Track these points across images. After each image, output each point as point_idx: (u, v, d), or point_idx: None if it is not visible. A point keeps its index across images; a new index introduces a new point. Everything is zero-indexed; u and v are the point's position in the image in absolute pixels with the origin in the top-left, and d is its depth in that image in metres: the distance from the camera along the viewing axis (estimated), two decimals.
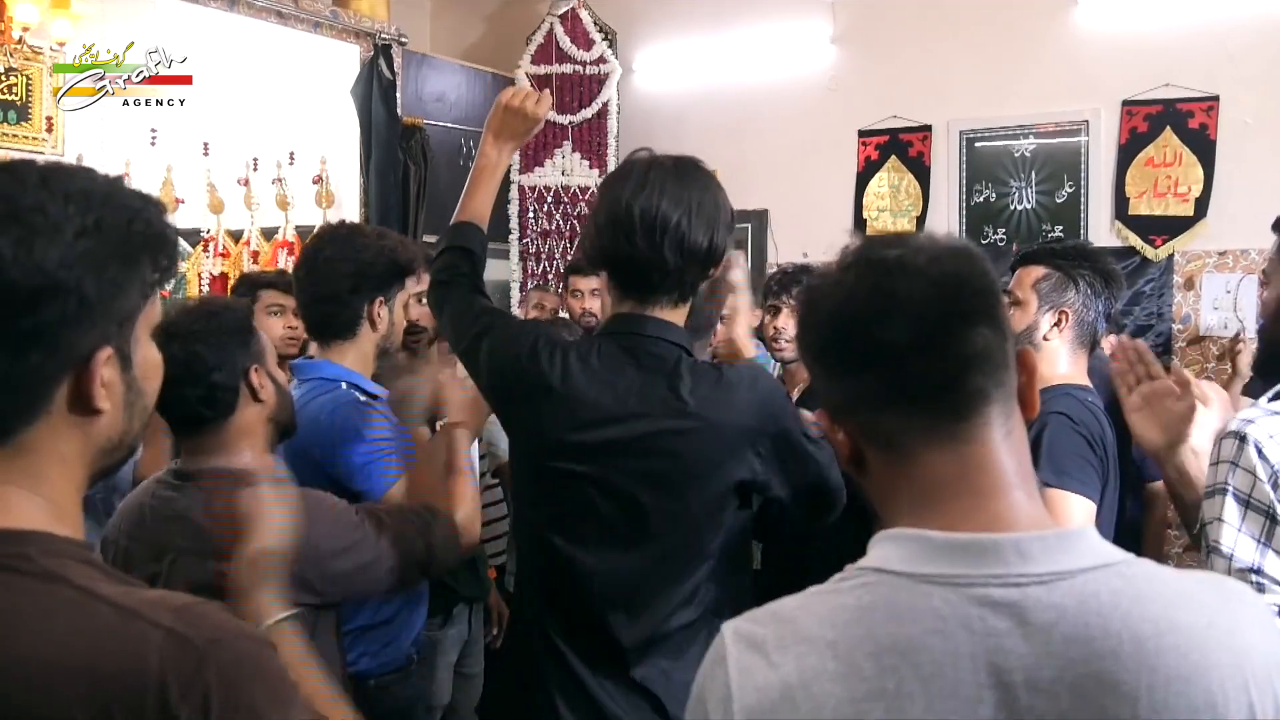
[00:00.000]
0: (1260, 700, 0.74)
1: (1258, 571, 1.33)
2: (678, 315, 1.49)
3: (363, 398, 1.88)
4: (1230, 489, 1.34)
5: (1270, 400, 1.42)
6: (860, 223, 4.77)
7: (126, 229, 0.81)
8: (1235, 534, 1.33)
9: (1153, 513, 3.01)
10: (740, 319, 1.81)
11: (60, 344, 0.78)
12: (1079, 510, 1.80)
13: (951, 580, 0.75)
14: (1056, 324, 2.01)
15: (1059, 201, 4.35)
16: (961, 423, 0.80)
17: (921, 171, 4.66)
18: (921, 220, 4.62)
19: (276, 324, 2.77)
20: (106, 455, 0.85)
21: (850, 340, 0.83)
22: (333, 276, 1.88)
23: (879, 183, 4.76)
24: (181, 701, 0.72)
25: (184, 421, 1.47)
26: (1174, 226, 4.10)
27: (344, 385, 1.88)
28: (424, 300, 2.37)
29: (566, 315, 3.85)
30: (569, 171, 5.17)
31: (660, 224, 1.41)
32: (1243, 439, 1.34)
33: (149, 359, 0.87)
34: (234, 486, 1.41)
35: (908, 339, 0.79)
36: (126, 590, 0.78)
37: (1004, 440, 0.81)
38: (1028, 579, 0.74)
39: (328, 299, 1.90)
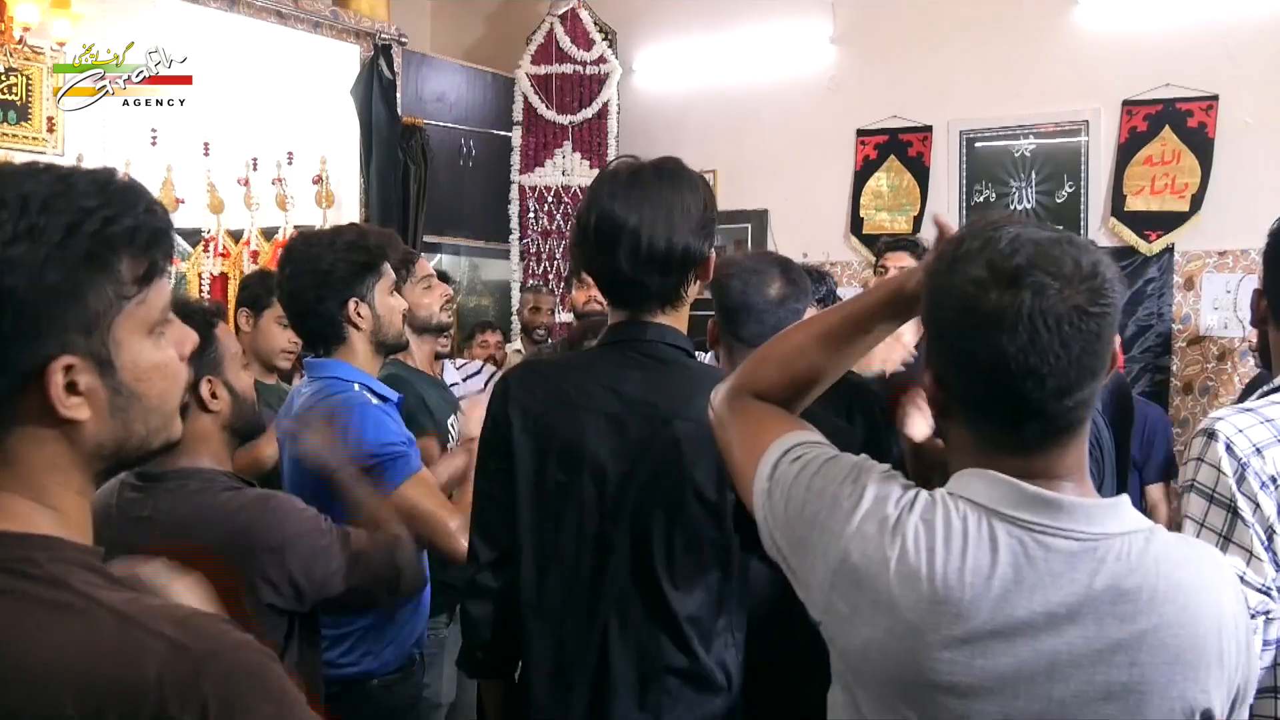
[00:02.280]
0: (1226, 646, 0.93)
1: None
2: (675, 320, 1.46)
3: (375, 400, 1.88)
4: (1194, 484, 1.35)
5: (1258, 397, 1.42)
6: (858, 222, 4.78)
7: (71, 232, 0.76)
8: (1198, 529, 1.33)
9: (1154, 518, 3.01)
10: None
11: (3, 360, 0.75)
12: None
13: (1028, 525, 0.92)
14: None
15: (1059, 201, 4.35)
16: (1042, 440, 0.94)
17: (921, 171, 4.66)
18: (919, 221, 4.62)
19: (282, 336, 2.77)
20: (106, 459, 0.82)
21: (971, 363, 0.93)
22: (299, 291, 1.90)
23: (877, 182, 4.76)
24: (180, 712, 0.71)
25: None
26: (1169, 221, 4.10)
27: (356, 387, 1.88)
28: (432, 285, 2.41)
29: (569, 311, 3.88)
30: (569, 171, 5.17)
31: (613, 235, 1.38)
32: (1211, 435, 1.35)
33: (144, 360, 0.82)
34: (194, 486, 1.45)
35: (1029, 394, 0.90)
36: (129, 598, 0.77)
37: (1074, 446, 0.95)
38: (1085, 535, 0.92)
39: (304, 313, 1.92)
